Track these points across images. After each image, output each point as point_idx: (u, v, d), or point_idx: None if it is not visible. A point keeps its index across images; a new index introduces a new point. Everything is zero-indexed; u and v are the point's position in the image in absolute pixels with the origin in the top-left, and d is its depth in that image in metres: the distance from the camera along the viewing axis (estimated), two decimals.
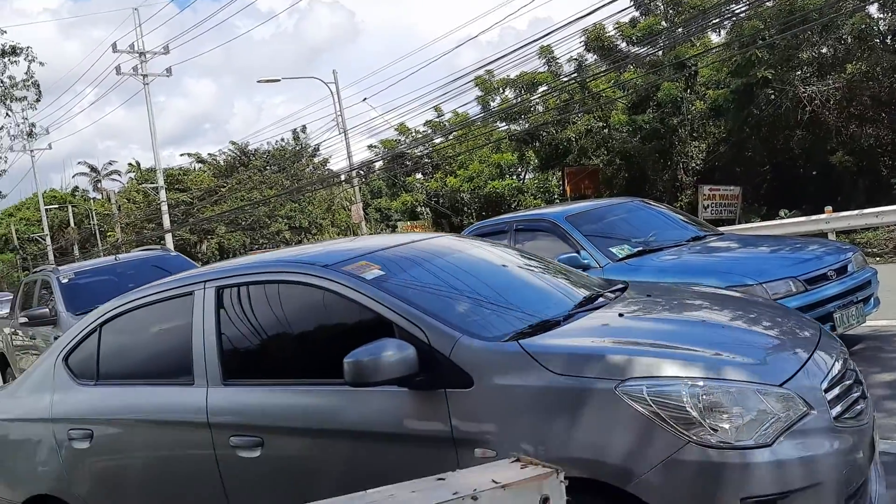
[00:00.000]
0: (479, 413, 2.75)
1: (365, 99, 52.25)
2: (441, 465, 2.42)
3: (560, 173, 24.70)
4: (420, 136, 31.71)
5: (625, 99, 22.11)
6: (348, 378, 2.80)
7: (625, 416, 2.51)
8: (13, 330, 10.16)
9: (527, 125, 24.14)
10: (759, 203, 20.48)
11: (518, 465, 1.88)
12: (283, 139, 43.98)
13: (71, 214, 51.92)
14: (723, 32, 20.60)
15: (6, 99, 21.42)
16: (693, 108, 20.54)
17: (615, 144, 22.54)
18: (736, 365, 2.66)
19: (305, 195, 40.12)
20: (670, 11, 21.36)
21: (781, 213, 18.07)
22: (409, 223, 32.43)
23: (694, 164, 21.59)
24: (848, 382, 2.91)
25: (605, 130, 22.95)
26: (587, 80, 22.03)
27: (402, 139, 31.76)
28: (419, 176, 34.32)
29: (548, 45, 21.96)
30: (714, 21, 19.58)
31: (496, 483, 1.75)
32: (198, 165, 47.41)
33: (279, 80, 27.25)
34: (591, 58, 22.49)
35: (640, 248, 6.80)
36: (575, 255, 6.41)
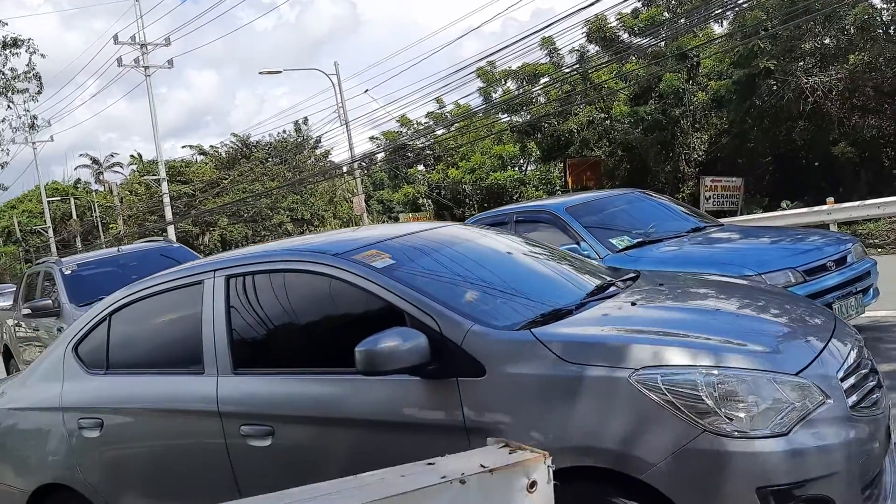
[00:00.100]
0: (491, 402, 2.74)
1: (367, 90, 52.11)
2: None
3: (562, 165, 24.69)
4: (422, 127, 31.69)
5: (627, 90, 22.07)
6: (360, 367, 2.80)
7: (639, 405, 2.50)
8: (16, 321, 10.20)
9: (529, 116, 24.11)
10: (761, 194, 20.48)
11: (506, 449, 1.90)
12: (284, 131, 44.04)
13: (73, 207, 51.98)
14: (725, 23, 20.56)
15: (8, 91, 21.43)
16: (695, 99, 20.50)
17: (617, 136, 22.51)
18: (751, 353, 2.64)
19: (307, 187, 40.15)
20: (672, 2, 21.31)
21: (783, 204, 18.07)
22: (410, 215, 32.41)
23: (696, 156, 21.56)
24: (864, 371, 2.89)
25: (607, 122, 22.91)
26: (589, 71, 21.99)
27: (404, 131, 31.73)
28: (421, 167, 34.30)
29: (549, 36, 21.91)
30: (716, 11, 19.52)
31: (484, 467, 1.77)
32: (199, 157, 47.45)
33: (280, 72, 27.29)
34: (592, 49, 22.44)
35: (640, 240, 6.81)
36: (575, 246, 6.44)
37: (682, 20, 20.43)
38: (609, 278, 3.75)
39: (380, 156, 33.85)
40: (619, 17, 21.34)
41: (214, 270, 3.59)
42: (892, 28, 18.19)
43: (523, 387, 2.70)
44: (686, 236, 6.94)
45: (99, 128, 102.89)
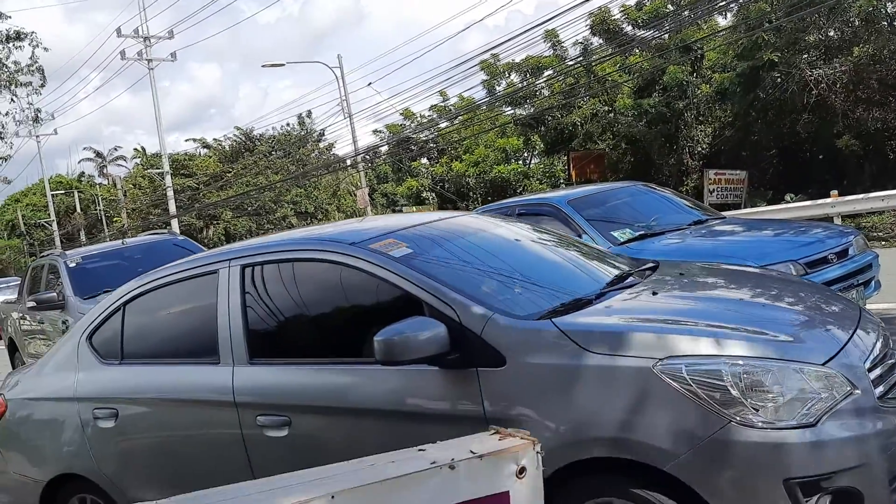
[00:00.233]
0: (512, 392, 2.70)
1: (370, 83, 52.09)
2: None
3: (565, 158, 24.68)
4: (425, 120, 31.70)
5: (630, 83, 22.05)
6: (379, 356, 2.77)
7: (663, 395, 2.46)
8: (21, 314, 10.24)
9: (532, 109, 24.10)
10: (764, 187, 20.45)
11: (497, 436, 1.94)
12: (288, 124, 44.10)
13: (77, 200, 52.07)
14: (729, 15, 20.50)
15: (11, 84, 21.43)
16: (699, 91, 20.47)
17: (621, 129, 22.49)
18: (777, 343, 2.61)
19: (311, 180, 40.18)
20: None
21: (787, 197, 18.06)
22: (414, 208, 32.46)
23: (700, 149, 21.54)
24: (890, 362, 2.84)
25: (611, 115, 22.89)
26: (593, 63, 21.96)
27: (408, 124, 31.74)
28: (424, 161, 34.33)
29: (553, 29, 21.88)
30: (720, 4, 19.47)
31: (473, 453, 1.80)
32: (203, 151, 47.50)
33: (284, 65, 27.35)
34: (596, 41, 22.41)
35: (642, 233, 6.83)
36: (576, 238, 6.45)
37: (686, 12, 20.37)
38: (628, 268, 3.72)
39: (383, 149, 33.88)
40: (622, 9, 21.30)
41: (230, 260, 3.56)
42: None
43: (544, 377, 2.67)
44: (688, 229, 6.95)
45: (102, 121, 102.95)
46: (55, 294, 8.58)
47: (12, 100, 21.83)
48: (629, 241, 6.67)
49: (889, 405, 2.64)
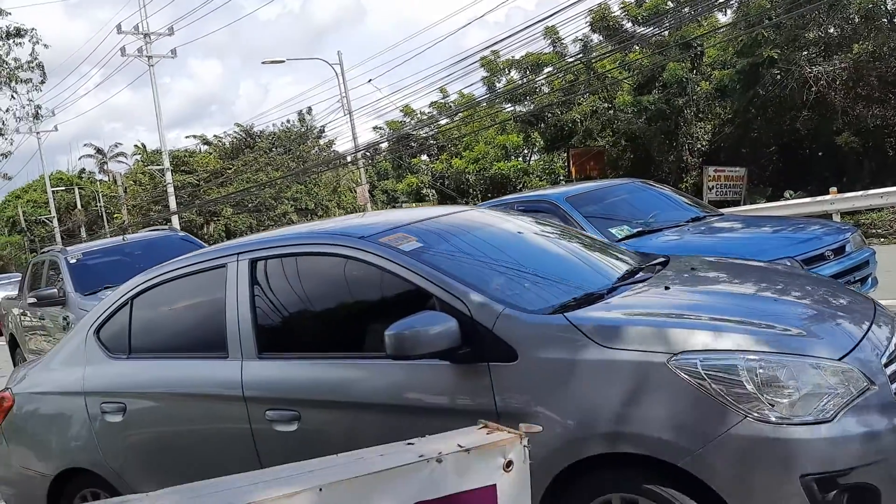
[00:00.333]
0: (523, 387, 2.69)
1: (370, 80, 52.00)
2: None
3: (565, 154, 24.67)
4: (425, 117, 31.69)
5: (630, 80, 22.03)
6: (390, 351, 2.76)
7: (678, 390, 2.45)
8: (22, 310, 10.26)
9: (532, 106, 24.09)
10: (764, 184, 20.46)
11: (484, 430, 1.96)
12: (288, 121, 44.06)
13: (78, 196, 52.06)
14: (729, 12, 20.49)
15: (11, 81, 21.46)
16: (699, 88, 20.46)
17: (620, 125, 22.49)
18: (792, 338, 2.59)
19: (311, 177, 40.17)
20: None
21: (787, 194, 18.07)
22: (414, 205, 32.47)
23: (699, 145, 21.53)
24: None
25: (611, 111, 22.88)
26: (593, 60, 21.95)
27: (408, 121, 31.74)
28: (424, 157, 34.32)
29: (553, 26, 21.87)
30: (720, 1, 19.45)
31: (461, 447, 1.83)
32: (203, 147, 47.48)
33: (284, 62, 27.27)
34: (596, 38, 22.40)
35: (640, 229, 6.84)
36: None
37: (686, 9, 20.36)
38: (639, 263, 3.70)
39: (383, 146, 33.88)
40: (622, 5, 21.28)
41: (238, 254, 3.55)
42: None
43: (556, 372, 2.65)
44: (686, 226, 6.97)
45: (103, 117, 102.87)
46: (56, 290, 8.60)
47: (12, 96, 21.88)
48: (627, 237, 6.69)
49: None
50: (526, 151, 30.97)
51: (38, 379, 4.23)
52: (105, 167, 55.58)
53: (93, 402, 3.81)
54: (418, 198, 33.28)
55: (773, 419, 2.37)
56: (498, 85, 25.35)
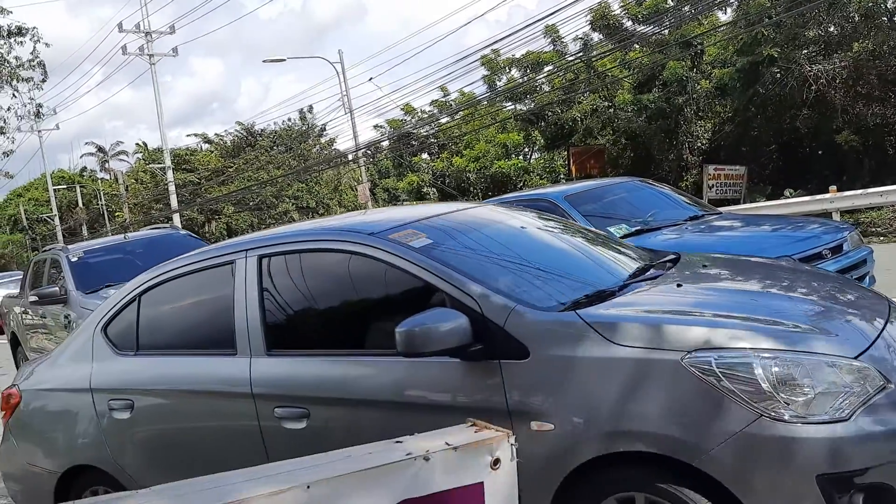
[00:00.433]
0: (535, 385, 2.66)
1: (371, 79, 52.01)
2: None
3: (566, 153, 24.65)
4: (426, 116, 31.67)
5: (630, 78, 22.02)
6: (401, 348, 2.74)
7: (691, 388, 2.42)
8: (23, 309, 10.26)
9: (532, 105, 24.08)
10: (764, 183, 20.45)
11: (473, 428, 1.97)
12: (289, 119, 44.08)
13: (79, 195, 52.09)
14: (729, 11, 20.47)
15: (12, 79, 21.48)
16: (699, 87, 20.44)
17: (621, 124, 22.47)
18: (808, 337, 2.56)
19: (312, 175, 40.17)
20: None
21: (787, 192, 18.06)
22: (415, 203, 32.46)
23: (699, 144, 21.52)
24: None
25: (611, 110, 22.86)
26: (593, 59, 21.94)
27: (408, 119, 31.72)
28: (425, 156, 34.30)
29: (553, 25, 21.86)
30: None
31: (449, 445, 1.84)
32: (205, 146, 47.49)
33: (285, 60, 27.28)
34: (596, 37, 22.39)
35: (639, 228, 6.85)
36: None
37: (686, 8, 20.34)
38: (650, 261, 3.69)
39: (384, 144, 33.87)
40: (622, 4, 21.27)
41: (246, 250, 3.52)
42: None
43: (568, 369, 2.62)
44: (685, 224, 6.98)
45: (104, 116, 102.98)
46: (57, 288, 8.59)
47: (14, 95, 21.88)
48: (626, 236, 6.70)
49: None
50: (526, 150, 30.94)
51: (46, 375, 4.21)
52: (106, 165, 55.61)
53: (100, 399, 3.79)
54: (419, 196, 33.25)
55: (788, 418, 2.35)
56: (498, 83, 25.33)
